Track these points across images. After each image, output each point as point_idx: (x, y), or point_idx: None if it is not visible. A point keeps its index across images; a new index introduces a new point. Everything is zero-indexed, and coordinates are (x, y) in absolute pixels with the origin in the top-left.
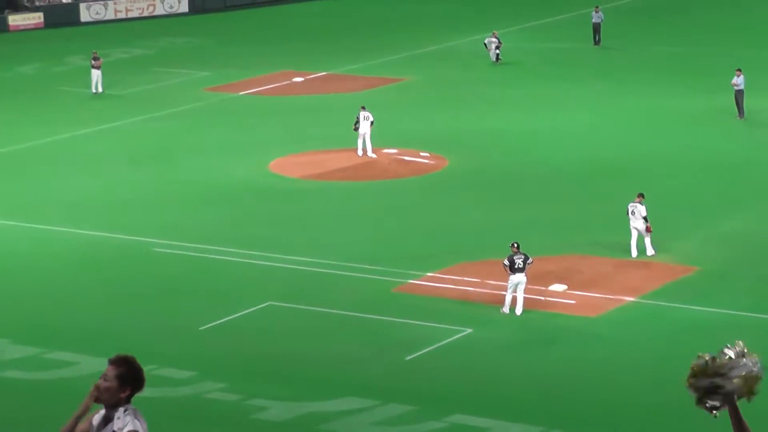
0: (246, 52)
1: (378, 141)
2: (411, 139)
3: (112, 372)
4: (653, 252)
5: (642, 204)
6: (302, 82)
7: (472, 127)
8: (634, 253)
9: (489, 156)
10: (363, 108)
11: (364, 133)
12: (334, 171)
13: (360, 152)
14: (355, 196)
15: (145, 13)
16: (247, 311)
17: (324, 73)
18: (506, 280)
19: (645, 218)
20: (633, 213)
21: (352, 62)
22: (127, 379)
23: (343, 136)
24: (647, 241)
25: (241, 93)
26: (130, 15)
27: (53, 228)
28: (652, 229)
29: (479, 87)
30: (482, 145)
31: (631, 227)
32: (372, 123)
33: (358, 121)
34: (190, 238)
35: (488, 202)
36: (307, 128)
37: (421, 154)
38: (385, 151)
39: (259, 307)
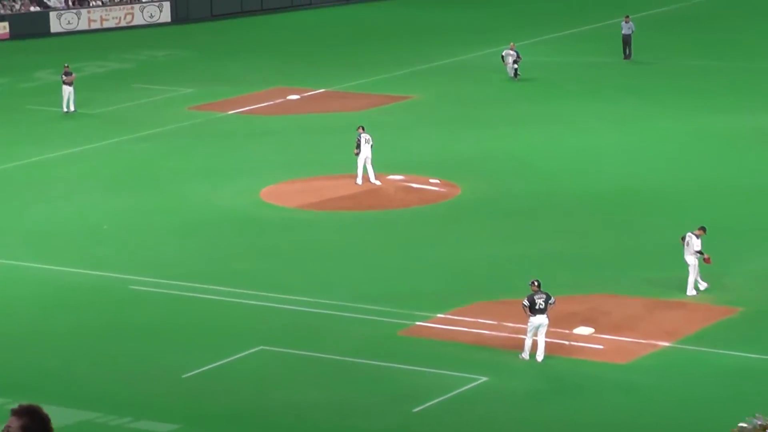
0: (235, 66)
1: (382, 166)
2: (419, 164)
3: (15, 423)
4: (706, 285)
5: (698, 238)
6: (298, 100)
7: (487, 150)
8: (690, 290)
9: (506, 183)
10: (362, 129)
11: (366, 158)
12: (333, 200)
13: (360, 180)
14: (356, 227)
15: (123, 23)
16: (235, 357)
17: (322, 90)
18: (526, 323)
19: (699, 252)
20: (687, 244)
21: (354, 78)
22: (31, 431)
23: (344, 160)
24: (693, 278)
25: (230, 112)
26: (106, 25)
27: (18, 263)
28: (711, 261)
29: (495, 106)
30: (499, 171)
31: (686, 261)
32: (371, 146)
33: (359, 145)
34: (171, 275)
35: (506, 235)
36: (303, 152)
37: (431, 180)
38: (390, 177)
39: (250, 351)
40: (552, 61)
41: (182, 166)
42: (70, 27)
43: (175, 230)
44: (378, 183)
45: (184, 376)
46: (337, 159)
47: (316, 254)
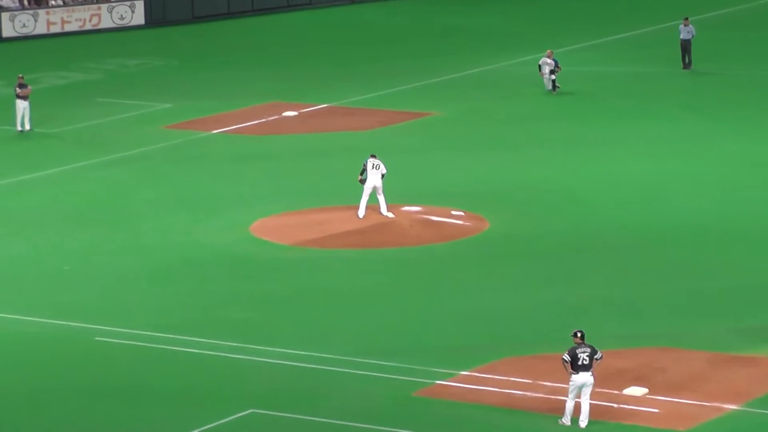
0: (220, 77)
1: (396, 195)
2: (439, 193)
3: None
4: None
5: None
6: (295, 117)
7: (520, 178)
8: None
9: (543, 217)
10: (373, 156)
11: (374, 187)
12: (337, 236)
13: (362, 212)
14: (364, 268)
15: (88, 26)
16: (222, 421)
17: (324, 105)
18: (567, 382)
19: None
20: None
21: (361, 91)
22: None
23: (349, 189)
24: None
25: (214, 132)
26: (68, 28)
27: None
28: None
29: (530, 125)
30: (534, 203)
31: None
32: (383, 176)
33: (364, 170)
34: (145, 324)
35: (542, 278)
36: (301, 179)
37: (453, 212)
38: (405, 209)
39: (238, 416)
40: (597, 72)
41: (158, 196)
42: (26, 30)
43: (149, 272)
44: (390, 215)
45: None
46: (341, 187)
47: (316, 300)
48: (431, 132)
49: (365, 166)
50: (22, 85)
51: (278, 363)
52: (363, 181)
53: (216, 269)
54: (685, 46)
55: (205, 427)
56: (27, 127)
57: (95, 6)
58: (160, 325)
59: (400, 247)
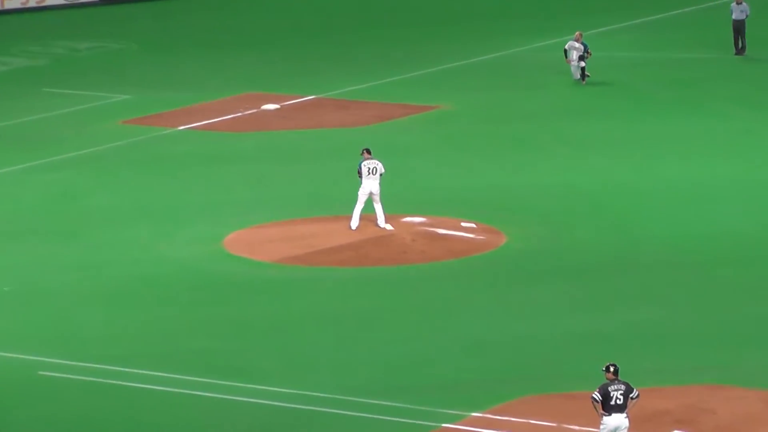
0: (188, 63)
1: (396, 203)
2: (447, 201)
3: None
4: None
5: None
6: (277, 111)
7: (543, 184)
8: None
9: (570, 229)
10: (367, 152)
11: (370, 194)
12: (326, 251)
13: (355, 223)
14: (358, 290)
15: (32, 3)
16: None
17: (311, 97)
18: (598, 425)
19: None
20: None
21: (356, 80)
22: None
23: (341, 196)
24: None
25: (181, 128)
26: (8, 5)
27: None
28: None
29: (554, 121)
30: (559, 212)
31: None
32: (381, 177)
33: (360, 174)
34: (99, 356)
35: (568, 301)
36: (284, 184)
37: (464, 224)
38: (407, 219)
39: None
40: (634, 58)
41: (114, 204)
42: None
43: (104, 294)
44: (389, 228)
45: None
46: (331, 194)
47: (302, 328)
48: (438, 129)
49: (360, 170)
50: None
51: (256, 402)
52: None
53: (183, 291)
54: (738, 28)
55: None
56: None
57: None
58: (116, 356)
59: (400, 265)
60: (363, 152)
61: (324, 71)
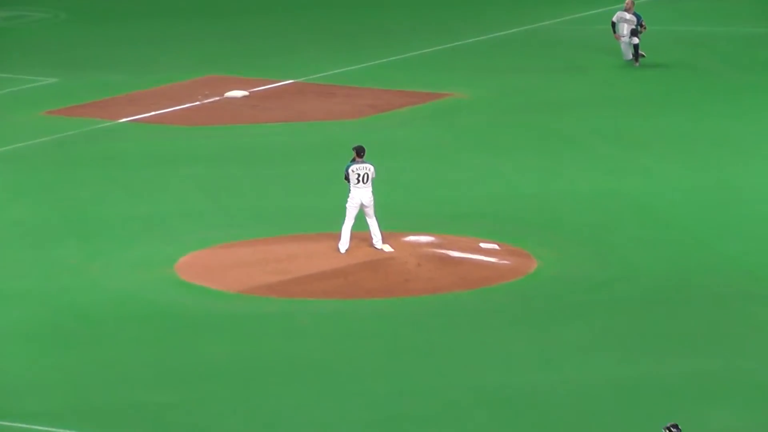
0: (132, 37)
1: (395, 219)
2: (462, 215)
3: None
4: None
5: None
6: (245, 98)
7: (583, 192)
8: None
9: (615, 251)
10: (358, 153)
11: (361, 206)
12: (307, 279)
13: (345, 245)
14: (348, 328)
15: None
16: None
17: (289, 81)
18: None
19: None
20: None
21: (345, 60)
22: None
23: (326, 208)
24: None
25: (123, 120)
26: None
27: None
28: None
29: (597, 113)
30: (602, 229)
31: None
32: (371, 181)
33: (348, 179)
34: (19, 411)
35: (615, 342)
36: (253, 192)
37: (483, 245)
38: (411, 239)
39: None
40: (701, 33)
41: (36, 217)
42: None
43: (25, 332)
44: (387, 249)
45: None
46: (314, 205)
47: (276, 376)
48: (450, 122)
49: (347, 174)
50: None
51: None
52: (351, 203)
53: (124, 328)
54: None
55: None
56: None
57: None
58: (41, 412)
59: (401, 297)
60: (356, 152)
61: (304, 48)
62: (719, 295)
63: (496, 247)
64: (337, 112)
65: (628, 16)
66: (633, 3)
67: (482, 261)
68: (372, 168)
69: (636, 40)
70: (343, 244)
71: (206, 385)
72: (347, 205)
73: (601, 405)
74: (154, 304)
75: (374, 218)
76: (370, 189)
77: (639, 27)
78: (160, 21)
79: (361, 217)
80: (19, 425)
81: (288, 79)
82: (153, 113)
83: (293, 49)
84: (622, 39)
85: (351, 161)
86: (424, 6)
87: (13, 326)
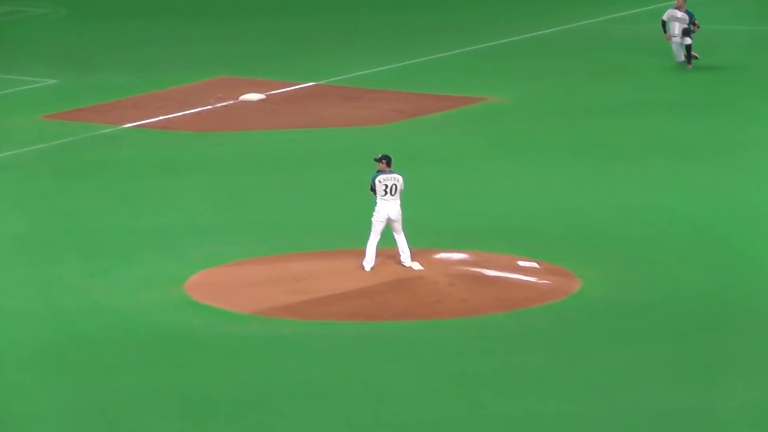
0: (137, 35)
1: (425, 234)
2: (498, 230)
3: None
4: None
5: None
6: (261, 102)
7: (630, 205)
8: None
9: (666, 270)
10: (385, 162)
11: (388, 219)
12: (328, 299)
13: (369, 263)
14: (374, 353)
15: None
16: None
17: (309, 83)
18: None
19: None
20: None
21: (370, 61)
22: None
23: (350, 222)
24: None
25: (127, 125)
26: None
27: None
28: None
29: (645, 119)
30: (652, 246)
31: None
32: (399, 193)
33: (375, 192)
34: None
35: (666, 371)
36: (270, 205)
37: (521, 263)
38: (442, 256)
39: None
40: (758, 33)
41: (34, 230)
42: None
43: (20, 357)
44: (417, 267)
45: None
46: (336, 219)
47: (295, 407)
48: (484, 129)
49: (373, 185)
50: None
51: None
52: (378, 217)
53: (128, 353)
54: None
55: None
56: None
57: None
58: None
59: (432, 320)
60: (379, 162)
61: (326, 49)
62: None
63: (535, 265)
64: (361, 118)
65: (679, 14)
66: (685, 0)
67: (520, 280)
68: (400, 179)
69: (688, 41)
70: (368, 262)
71: (218, 413)
72: (373, 219)
73: None
74: (161, 326)
75: (402, 233)
76: (398, 202)
77: (691, 26)
78: (168, 18)
79: (387, 232)
80: None
81: (308, 82)
82: (160, 118)
83: (314, 49)
84: (673, 39)
85: (377, 171)
86: (456, 2)
87: (7, 350)
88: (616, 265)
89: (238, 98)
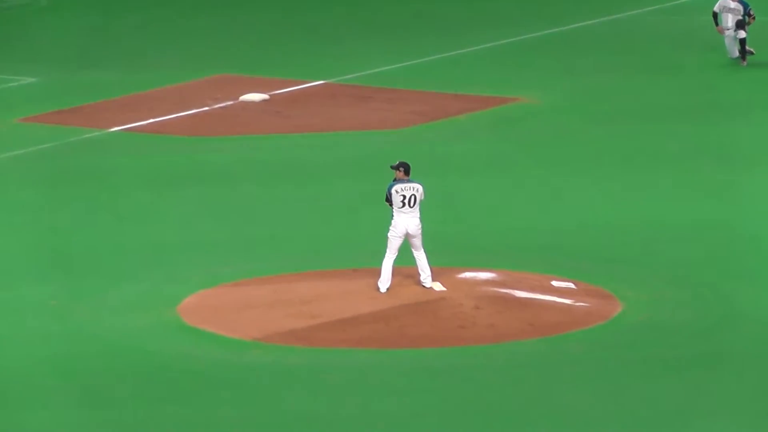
0: (127, 27)
1: (448, 251)
2: (531, 247)
3: None
4: None
5: None
6: (265, 103)
7: (679, 220)
8: None
9: (724, 293)
10: (403, 170)
11: (406, 235)
12: (339, 324)
13: (385, 283)
14: (391, 384)
15: None
16: None
17: (317, 82)
18: None
19: None
20: None
21: (387, 57)
22: None
23: (364, 237)
24: None
25: (114, 129)
26: None
27: None
28: None
29: (697, 121)
30: (706, 265)
31: None
32: (418, 203)
33: (389, 202)
34: None
35: (721, 407)
36: (274, 217)
37: (556, 283)
38: (467, 275)
39: None
40: None
41: (12, 246)
42: None
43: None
44: (438, 288)
45: None
46: (349, 234)
47: None
48: (517, 133)
49: (389, 196)
50: None
51: None
52: (396, 233)
53: (117, 384)
54: None
55: None
56: None
57: None
58: None
59: (455, 347)
60: (397, 170)
61: (337, 43)
62: None
63: (572, 286)
64: (376, 121)
65: (732, 4)
66: None
67: (555, 303)
68: (420, 188)
69: (743, 34)
70: (384, 282)
71: None
72: (389, 235)
73: None
74: (153, 354)
75: (422, 251)
76: (418, 215)
77: (746, 18)
78: (161, 9)
79: (406, 249)
80: None
81: (317, 80)
82: (151, 121)
83: (323, 44)
84: (726, 32)
85: (394, 180)
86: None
87: None
88: (663, 285)
89: (238, 98)
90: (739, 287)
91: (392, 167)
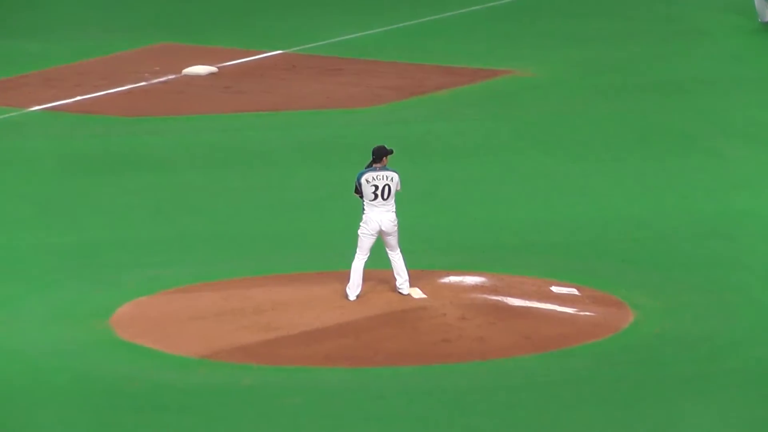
0: None
1: (428, 251)
2: (526, 245)
3: None
4: None
5: None
6: (212, 76)
7: (700, 213)
8: None
9: (748, 300)
10: (377, 156)
11: (380, 233)
12: (301, 338)
13: (354, 290)
14: (360, 410)
15: None
16: None
17: (274, 52)
18: None
19: None
20: None
21: (358, 24)
22: None
23: (330, 235)
24: None
25: (35, 108)
26: None
27: None
28: None
29: (723, 97)
30: (732, 266)
31: None
32: (393, 194)
33: (358, 193)
34: None
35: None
36: (223, 211)
37: (555, 289)
38: (451, 279)
39: None
40: None
41: None
42: None
43: None
44: (417, 295)
45: None
46: (313, 231)
47: None
48: (509, 111)
49: (358, 186)
50: None
51: None
52: (366, 229)
53: (40, 409)
54: None
55: None
56: None
57: None
58: None
59: (439, 365)
60: (373, 155)
61: (297, 6)
62: None
63: (575, 291)
64: (344, 97)
65: None
66: None
67: (555, 312)
68: (396, 177)
69: None
70: (354, 288)
71: None
72: (360, 232)
73: None
74: (81, 373)
75: (398, 251)
76: (393, 208)
77: None
78: None
79: (379, 249)
80: None
81: (274, 50)
82: (79, 98)
83: (281, 7)
84: None
85: (366, 167)
86: None
87: None
88: (683, 291)
89: (181, 72)
90: None
91: (373, 152)
